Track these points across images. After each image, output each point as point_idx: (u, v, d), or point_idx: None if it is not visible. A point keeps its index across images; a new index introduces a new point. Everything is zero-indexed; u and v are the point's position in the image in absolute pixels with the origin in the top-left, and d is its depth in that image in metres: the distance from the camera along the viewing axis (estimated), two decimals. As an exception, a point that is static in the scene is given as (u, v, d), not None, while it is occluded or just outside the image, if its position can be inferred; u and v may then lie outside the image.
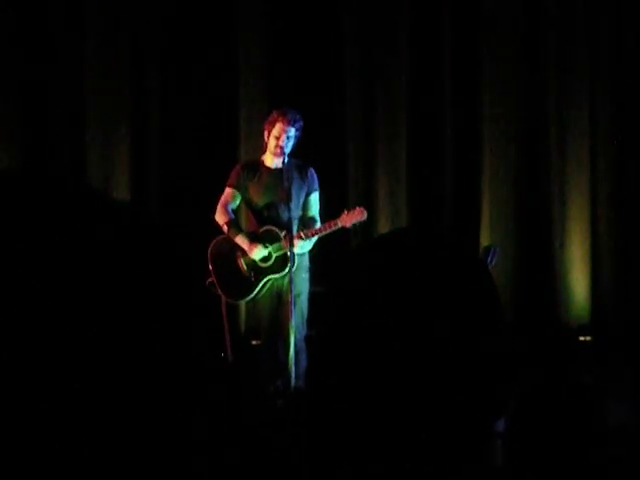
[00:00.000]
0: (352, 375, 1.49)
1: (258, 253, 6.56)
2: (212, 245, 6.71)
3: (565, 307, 8.84)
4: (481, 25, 8.80)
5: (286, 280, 6.47)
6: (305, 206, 6.67)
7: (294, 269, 6.43)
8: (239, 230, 6.68)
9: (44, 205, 1.24)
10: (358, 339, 1.50)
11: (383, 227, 8.73)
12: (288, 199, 6.49)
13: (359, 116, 8.85)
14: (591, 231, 8.86)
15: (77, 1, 8.65)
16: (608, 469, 2.12)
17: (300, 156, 6.72)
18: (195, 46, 8.67)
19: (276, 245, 6.54)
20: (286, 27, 8.70)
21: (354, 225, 6.58)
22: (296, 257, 6.46)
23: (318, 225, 6.62)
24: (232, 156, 8.53)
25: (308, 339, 6.46)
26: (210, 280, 6.65)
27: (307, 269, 6.64)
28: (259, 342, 7.01)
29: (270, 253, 6.56)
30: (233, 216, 6.74)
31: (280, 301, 6.56)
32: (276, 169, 6.61)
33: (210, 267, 6.66)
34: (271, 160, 6.65)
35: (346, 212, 6.55)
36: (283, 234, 6.51)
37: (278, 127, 6.55)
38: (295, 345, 6.36)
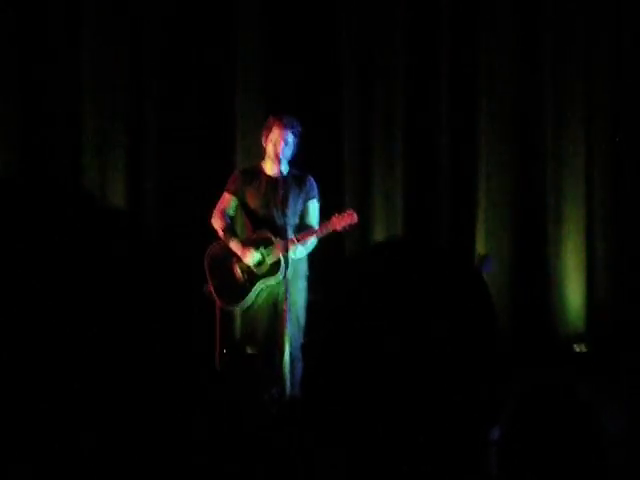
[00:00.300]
0: (347, 383, 1.48)
1: (251, 257, 6.56)
2: (208, 251, 6.71)
3: (560, 316, 8.84)
4: (478, 35, 8.81)
5: (282, 288, 6.46)
6: (303, 214, 6.67)
7: (289, 275, 6.42)
8: (234, 235, 6.69)
9: (40, 208, 1.24)
10: (353, 347, 1.49)
11: (379, 235, 8.73)
12: (283, 206, 6.48)
13: (355, 123, 8.86)
14: (586, 240, 8.86)
15: (76, 3, 8.65)
16: (604, 478, 2.12)
17: (296, 164, 6.72)
18: (192, 49, 8.68)
19: (269, 250, 6.54)
20: (284, 31, 8.71)
21: (344, 228, 6.56)
22: (291, 263, 6.45)
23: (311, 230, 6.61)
24: (229, 160, 8.54)
25: (304, 348, 6.45)
26: (207, 286, 6.66)
27: (305, 278, 6.62)
28: (254, 350, 7.01)
29: (263, 258, 6.55)
30: (229, 221, 6.75)
31: (276, 309, 6.55)
32: (274, 176, 6.62)
33: (206, 273, 6.66)
34: (270, 166, 6.65)
35: (337, 215, 6.54)
36: (277, 239, 6.50)
37: (275, 132, 6.55)
38: (291, 354, 6.35)
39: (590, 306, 8.83)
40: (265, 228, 6.59)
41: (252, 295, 6.59)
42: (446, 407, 1.47)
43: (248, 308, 6.69)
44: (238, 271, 6.63)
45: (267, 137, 6.58)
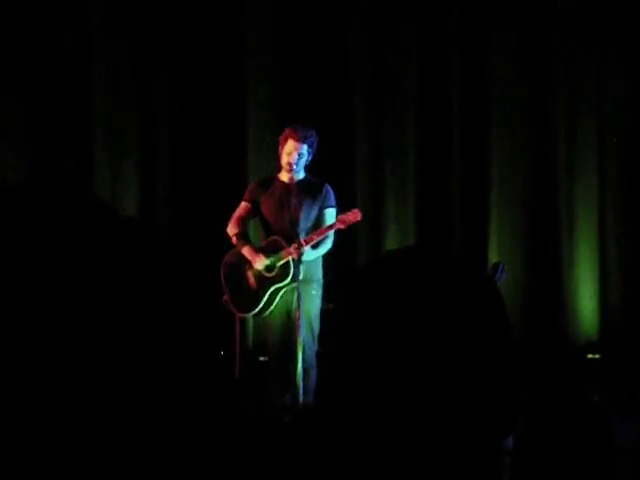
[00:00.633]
0: (361, 392, 1.48)
1: (260, 263, 6.59)
2: (224, 260, 6.77)
3: (573, 325, 8.82)
4: (490, 44, 8.81)
5: (295, 295, 6.48)
6: (319, 221, 6.69)
7: (300, 279, 6.44)
8: (247, 242, 6.74)
9: (52, 218, 1.25)
10: (366, 356, 1.50)
11: (391, 244, 8.73)
12: (296, 212, 6.52)
13: (367, 132, 8.87)
14: (599, 249, 8.84)
15: (86, 14, 8.69)
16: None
17: (311, 170, 6.75)
18: (202, 57, 8.70)
19: (278, 254, 6.56)
20: (295, 37, 8.73)
21: (349, 226, 6.62)
22: (302, 268, 6.46)
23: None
24: (241, 169, 8.56)
25: (318, 355, 6.45)
26: (225, 297, 6.71)
27: (319, 284, 6.63)
28: (267, 358, 7.02)
29: (273, 263, 6.58)
30: (243, 228, 6.80)
31: (289, 317, 6.57)
32: (288, 184, 6.65)
33: (222, 282, 6.71)
34: (285, 175, 6.70)
35: (342, 214, 6.59)
36: (286, 244, 6.53)
37: (289, 144, 6.59)
38: (305, 361, 6.36)
39: (603, 313, 8.81)
40: (278, 234, 6.62)
41: (264, 300, 6.61)
42: (460, 416, 1.47)
43: (261, 314, 6.70)
44: (251, 278, 6.66)
45: (282, 148, 6.63)
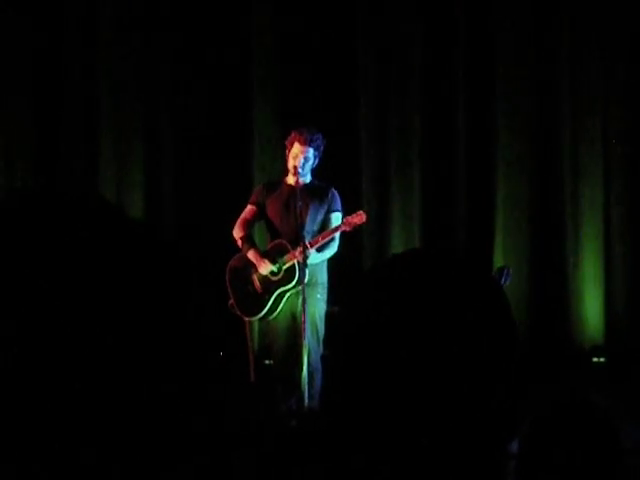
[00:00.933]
0: (366, 394, 1.48)
1: (265, 268, 6.58)
2: (229, 264, 6.76)
3: (579, 328, 8.81)
4: (495, 46, 8.81)
5: (300, 299, 6.47)
6: (325, 225, 6.68)
7: (305, 282, 6.43)
8: (252, 245, 6.72)
9: (57, 220, 1.25)
10: (372, 358, 1.50)
11: (396, 247, 8.73)
12: (302, 215, 6.51)
13: (373, 136, 8.86)
14: (605, 251, 8.83)
15: (92, 15, 8.70)
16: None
17: (317, 173, 6.74)
18: (208, 59, 8.71)
19: (284, 257, 6.56)
20: (300, 40, 8.73)
21: (354, 228, 6.61)
22: (307, 271, 6.46)
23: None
24: (245, 169, 8.57)
25: (324, 359, 6.44)
26: (230, 302, 6.70)
27: (323, 287, 6.63)
28: (272, 362, 7.01)
29: (278, 267, 6.57)
30: (249, 232, 6.79)
31: (294, 320, 6.56)
32: (295, 187, 6.64)
33: (228, 286, 6.70)
34: (292, 179, 6.69)
35: (347, 216, 6.58)
36: (291, 247, 6.52)
37: (295, 147, 6.58)
38: (310, 365, 6.34)
39: (608, 316, 8.80)
40: (283, 237, 6.61)
41: (270, 304, 6.60)
42: (465, 419, 1.47)
43: (266, 318, 6.69)
44: (256, 281, 6.65)
45: (288, 151, 6.63)
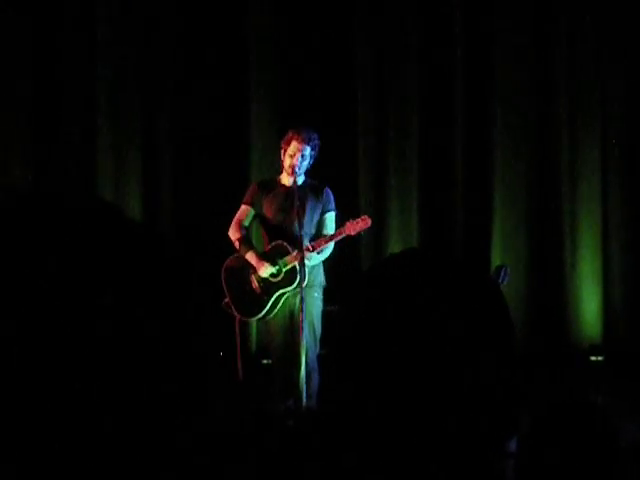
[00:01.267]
0: (364, 393, 1.48)
1: (266, 270, 6.57)
2: (225, 264, 6.74)
3: (576, 327, 8.82)
4: (494, 50, 8.81)
5: (298, 298, 6.46)
6: (320, 225, 6.68)
7: (304, 284, 6.42)
8: (250, 247, 6.70)
9: (57, 221, 1.25)
10: (370, 357, 1.50)
11: (394, 247, 8.73)
12: (300, 217, 6.49)
13: (370, 133, 8.86)
14: (602, 251, 8.84)
15: (89, 17, 8.70)
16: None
17: (312, 173, 6.73)
18: (206, 61, 8.71)
19: (285, 259, 6.55)
20: (299, 44, 8.73)
21: (358, 233, 6.60)
22: (307, 272, 6.46)
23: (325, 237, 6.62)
24: (244, 173, 8.57)
25: (320, 358, 6.44)
26: (226, 300, 6.68)
27: (321, 287, 6.62)
28: (270, 361, 7.01)
29: (279, 269, 6.57)
30: (245, 233, 6.76)
31: (292, 320, 6.55)
32: (290, 187, 6.62)
33: (223, 286, 6.68)
34: (287, 179, 6.67)
35: (351, 220, 6.56)
36: (292, 249, 6.51)
37: (293, 146, 6.56)
38: (307, 364, 6.34)
39: (606, 315, 8.81)
40: (281, 238, 6.60)
41: (270, 305, 6.59)
42: (463, 419, 1.47)
43: (264, 318, 6.69)
44: (255, 282, 6.63)
45: (285, 150, 6.60)
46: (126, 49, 8.74)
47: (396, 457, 1.45)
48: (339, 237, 6.56)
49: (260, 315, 6.65)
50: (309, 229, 6.61)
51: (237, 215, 6.77)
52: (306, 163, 6.61)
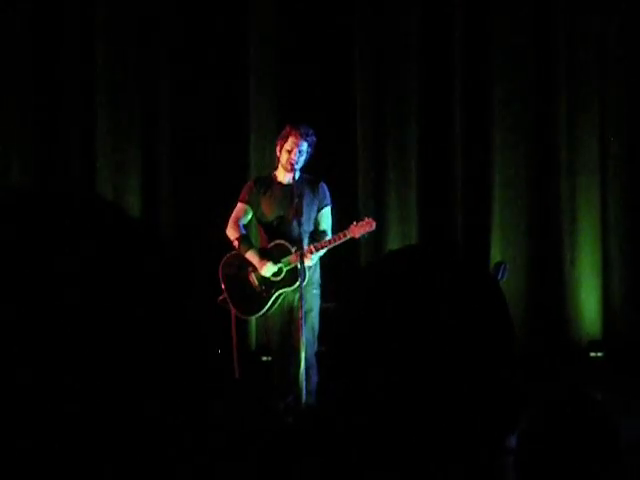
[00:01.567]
0: (362, 390, 1.48)
1: (268, 270, 6.56)
2: (223, 261, 6.73)
3: (576, 323, 8.82)
4: (492, 50, 8.80)
5: (297, 296, 6.46)
6: (317, 221, 6.68)
7: (304, 283, 6.43)
8: (250, 245, 6.69)
9: (56, 219, 1.25)
10: (368, 354, 1.49)
11: (393, 244, 8.73)
12: (299, 214, 6.49)
13: (369, 130, 8.86)
14: (602, 247, 8.83)
15: (89, 17, 8.69)
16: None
17: (310, 171, 6.73)
18: (205, 58, 8.70)
19: (286, 259, 6.55)
20: (298, 41, 8.72)
21: (363, 236, 6.61)
22: (306, 271, 6.46)
23: (328, 238, 6.62)
24: (242, 170, 8.56)
25: (319, 355, 6.44)
26: (222, 297, 6.67)
27: (318, 284, 6.63)
28: (269, 358, 7.01)
29: (281, 268, 6.57)
30: (244, 231, 6.76)
31: (291, 317, 6.56)
32: (287, 184, 6.62)
33: (222, 284, 6.67)
34: (283, 175, 6.67)
35: (355, 223, 6.57)
36: (294, 249, 6.51)
37: (290, 141, 6.56)
38: (306, 361, 6.34)
39: (606, 311, 8.81)
40: (280, 236, 6.60)
41: (270, 304, 6.60)
42: (462, 415, 1.47)
43: (263, 316, 6.69)
44: (254, 281, 6.63)
45: (282, 146, 6.60)
46: (124, 46, 8.73)
47: (395, 454, 1.45)
48: (343, 239, 6.56)
49: (260, 313, 6.65)
50: (307, 226, 6.61)
51: (234, 213, 6.75)
52: (303, 159, 6.60)
